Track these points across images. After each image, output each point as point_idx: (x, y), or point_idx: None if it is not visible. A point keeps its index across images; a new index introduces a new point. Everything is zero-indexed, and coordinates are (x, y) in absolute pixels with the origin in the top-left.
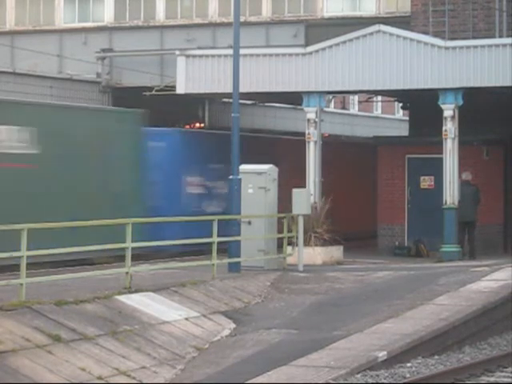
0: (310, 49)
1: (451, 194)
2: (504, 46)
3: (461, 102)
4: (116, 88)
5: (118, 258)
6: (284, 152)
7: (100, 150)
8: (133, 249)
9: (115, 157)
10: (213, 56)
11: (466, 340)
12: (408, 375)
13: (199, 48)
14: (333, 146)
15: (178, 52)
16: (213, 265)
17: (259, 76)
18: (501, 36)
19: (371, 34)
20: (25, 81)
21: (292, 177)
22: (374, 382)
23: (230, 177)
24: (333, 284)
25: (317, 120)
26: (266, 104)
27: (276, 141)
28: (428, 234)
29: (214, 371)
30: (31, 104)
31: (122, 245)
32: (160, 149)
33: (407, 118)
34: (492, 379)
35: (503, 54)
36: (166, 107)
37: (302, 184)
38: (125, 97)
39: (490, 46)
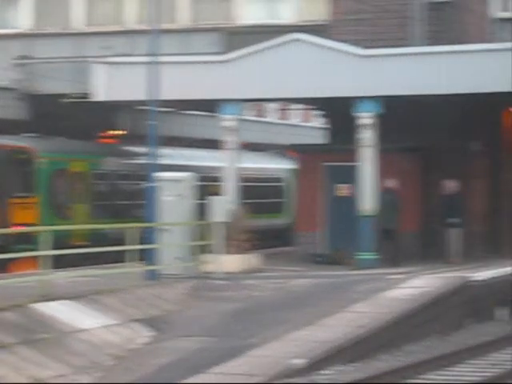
0: (228, 57)
1: (368, 202)
2: (420, 54)
3: (379, 111)
4: (33, 95)
5: None
6: None
7: None
8: None
9: None
10: (131, 63)
11: (383, 347)
12: (325, 383)
13: (117, 55)
14: None
15: (96, 59)
16: (131, 273)
17: (178, 84)
18: (417, 44)
19: (289, 42)
20: None
21: None
22: None
23: (147, 184)
24: (251, 292)
25: (234, 128)
26: (186, 112)
27: None
28: (346, 241)
29: (131, 379)
30: None
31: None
32: None
33: (326, 126)
34: None
35: (419, 62)
36: (85, 115)
37: None
38: (43, 104)
39: (406, 54)
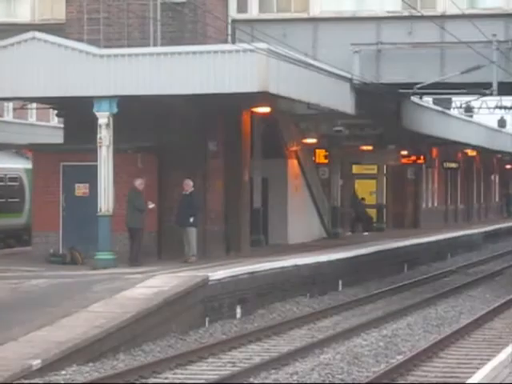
0: None
1: (106, 202)
2: (156, 54)
3: (115, 110)
4: None
5: None
6: None
7: None
8: None
9: None
10: None
11: (121, 347)
12: (61, 383)
13: None
14: None
15: None
16: None
17: None
18: (155, 45)
19: (26, 40)
20: None
21: None
22: None
23: None
24: None
25: None
26: None
27: None
28: (84, 241)
29: None
30: None
31: None
32: None
33: (64, 126)
34: None
35: (155, 62)
36: None
37: None
38: None
39: (144, 54)
